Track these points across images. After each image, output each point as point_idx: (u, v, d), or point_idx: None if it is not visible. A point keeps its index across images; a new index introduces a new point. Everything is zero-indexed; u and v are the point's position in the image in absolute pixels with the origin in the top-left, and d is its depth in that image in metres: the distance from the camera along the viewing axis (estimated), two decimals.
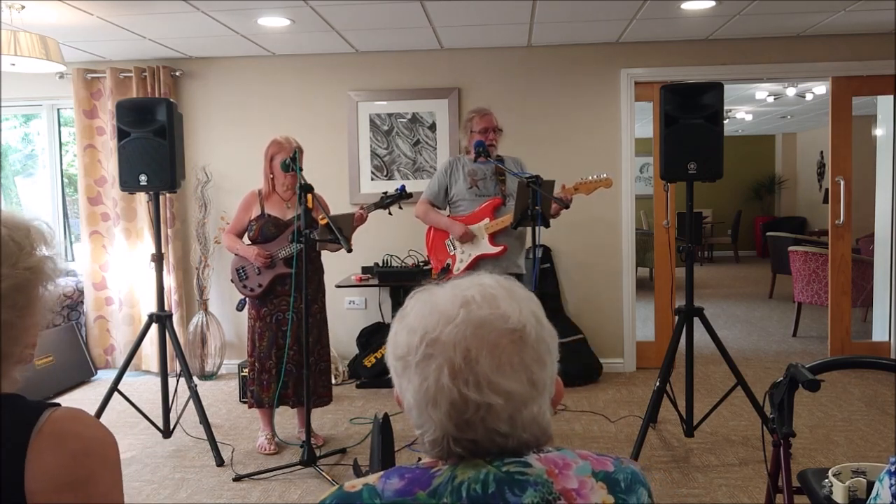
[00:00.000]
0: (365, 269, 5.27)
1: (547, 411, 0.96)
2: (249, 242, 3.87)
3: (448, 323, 0.92)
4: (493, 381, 0.90)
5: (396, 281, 4.94)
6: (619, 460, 1.00)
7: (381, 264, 5.07)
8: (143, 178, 3.70)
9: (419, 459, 3.77)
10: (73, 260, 5.94)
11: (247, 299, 3.89)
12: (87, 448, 1.00)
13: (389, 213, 3.90)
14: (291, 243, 3.75)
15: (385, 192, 3.85)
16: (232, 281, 3.91)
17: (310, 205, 3.44)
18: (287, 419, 4.33)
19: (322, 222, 3.53)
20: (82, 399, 5.00)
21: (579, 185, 3.88)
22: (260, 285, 3.80)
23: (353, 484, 0.96)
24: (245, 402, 4.80)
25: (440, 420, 0.92)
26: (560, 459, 0.95)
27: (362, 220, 3.76)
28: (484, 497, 0.90)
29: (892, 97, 5.44)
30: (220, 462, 3.74)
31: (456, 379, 0.90)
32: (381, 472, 0.96)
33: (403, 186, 3.86)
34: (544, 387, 0.94)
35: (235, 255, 3.88)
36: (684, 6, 4.40)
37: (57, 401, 1.08)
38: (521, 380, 0.91)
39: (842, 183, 5.46)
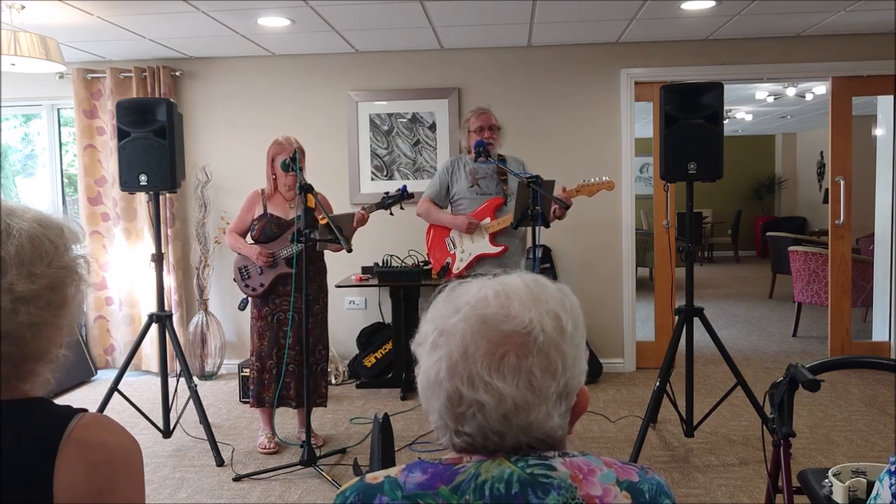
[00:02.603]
0: (365, 269, 5.27)
1: (554, 418, 0.93)
2: (252, 242, 3.87)
3: (454, 316, 0.93)
4: (486, 380, 0.90)
5: (396, 281, 4.94)
6: (643, 470, 0.99)
7: (381, 264, 5.07)
8: (143, 178, 3.70)
9: (419, 459, 3.75)
10: None
11: (249, 299, 3.89)
12: (111, 457, 1.00)
13: (391, 214, 3.90)
14: (293, 243, 3.75)
15: (387, 193, 3.85)
16: (234, 280, 3.91)
17: (311, 204, 3.44)
18: (287, 419, 4.34)
19: (322, 222, 3.53)
20: (82, 399, 5.00)
21: (581, 188, 3.86)
22: (262, 285, 3.80)
23: (375, 476, 0.96)
24: (247, 402, 4.80)
25: (439, 409, 0.94)
26: (585, 465, 0.94)
27: (363, 220, 3.76)
28: (507, 497, 0.89)
29: (892, 97, 5.44)
30: (220, 462, 3.74)
31: (453, 373, 0.91)
32: (403, 465, 0.96)
33: (405, 187, 3.86)
34: (550, 395, 0.92)
35: (238, 254, 3.89)
36: (684, 6, 4.40)
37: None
38: (519, 384, 0.90)
39: (842, 183, 5.46)
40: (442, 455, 0.97)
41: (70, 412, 1.02)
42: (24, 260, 1.01)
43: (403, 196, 3.81)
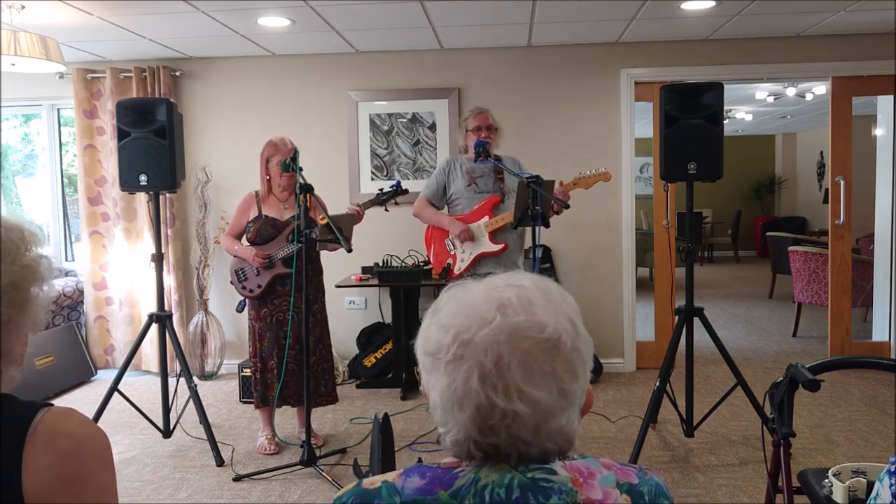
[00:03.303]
0: (365, 269, 5.27)
1: (575, 421, 0.94)
2: (248, 244, 3.87)
3: (482, 326, 0.90)
4: (522, 389, 0.88)
5: (396, 281, 4.94)
6: (642, 471, 0.98)
7: (381, 264, 5.07)
8: (143, 178, 3.70)
9: (419, 460, 3.73)
10: (73, 260, 5.94)
11: (246, 300, 3.89)
12: (79, 447, 1.02)
13: (386, 210, 3.89)
14: (289, 243, 3.75)
15: (381, 189, 3.85)
16: (231, 283, 3.91)
17: (308, 204, 3.44)
18: (287, 419, 4.34)
19: (322, 222, 3.53)
20: (82, 399, 5.00)
21: (578, 180, 3.87)
22: (259, 286, 3.80)
23: (372, 481, 0.95)
24: (246, 402, 4.80)
25: (464, 422, 0.90)
26: (585, 468, 0.94)
27: (359, 217, 3.76)
28: (507, 502, 0.89)
29: (892, 97, 5.44)
30: (220, 462, 3.74)
31: (485, 384, 0.88)
32: (401, 470, 0.95)
33: (399, 182, 3.86)
34: (575, 397, 0.93)
35: (234, 256, 3.89)
36: (684, 6, 4.40)
37: (52, 401, 1.08)
38: (552, 390, 0.90)
39: (842, 183, 5.46)
40: (441, 457, 0.97)
41: (35, 406, 1.03)
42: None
43: (398, 192, 3.81)
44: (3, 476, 0.96)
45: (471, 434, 0.90)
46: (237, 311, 3.95)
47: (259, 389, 3.86)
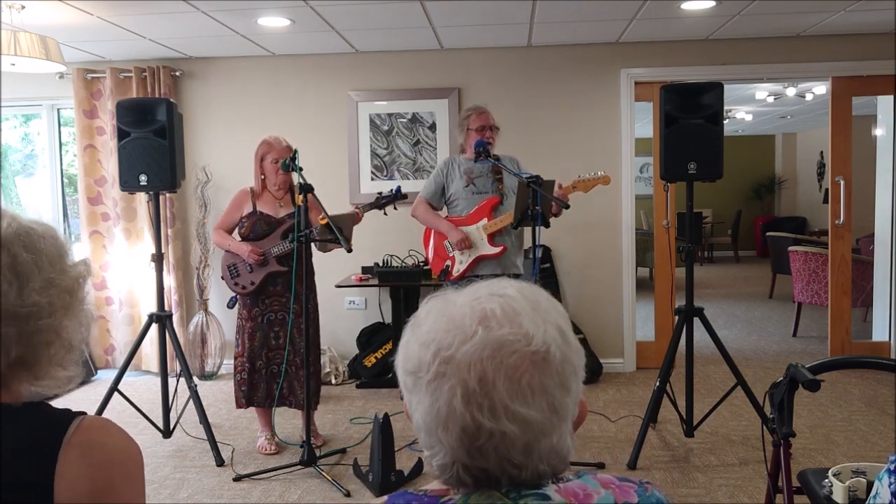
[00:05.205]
0: (365, 269, 5.27)
1: (568, 438, 0.88)
2: (240, 239, 3.87)
3: (464, 341, 0.84)
4: (510, 407, 0.82)
5: (396, 281, 4.94)
6: (642, 487, 0.93)
7: (381, 264, 5.07)
8: (143, 178, 3.70)
9: (419, 460, 3.70)
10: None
11: (237, 297, 3.88)
12: (111, 459, 1.00)
13: (384, 214, 3.91)
14: (284, 241, 3.74)
15: (380, 193, 3.86)
16: (223, 278, 3.89)
17: (307, 204, 3.44)
18: (287, 419, 4.34)
19: (322, 222, 3.52)
20: (82, 399, 5.00)
21: (577, 184, 3.85)
22: (252, 283, 3.78)
23: None
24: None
25: (451, 444, 0.84)
26: (581, 490, 0.87)
27: (358, 219, 3.78)
28: None
29: (892, 97, 5.44)
30: (220, 462, 3.74)
31: (469, 403, 0.82)
32: (386, 497, 0.91)
33: (399, 188, 3.87)
34: (567, 412, 0.87)
35: (226, 251, 3.87)
36: (684, 6, 4.40)
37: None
38: (541, 406, 0.84)
39: (842, 183, 5.46)
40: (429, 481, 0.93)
41: (70, 415, 1.02)
42: (53, 258, 1.02)
43: (397, 196, 3.83)
44: (36, 485, 0.95)
45: (459, 457, 0.85)
46: (228, 307, 3.94)
47: (245, 390, 3.86)
